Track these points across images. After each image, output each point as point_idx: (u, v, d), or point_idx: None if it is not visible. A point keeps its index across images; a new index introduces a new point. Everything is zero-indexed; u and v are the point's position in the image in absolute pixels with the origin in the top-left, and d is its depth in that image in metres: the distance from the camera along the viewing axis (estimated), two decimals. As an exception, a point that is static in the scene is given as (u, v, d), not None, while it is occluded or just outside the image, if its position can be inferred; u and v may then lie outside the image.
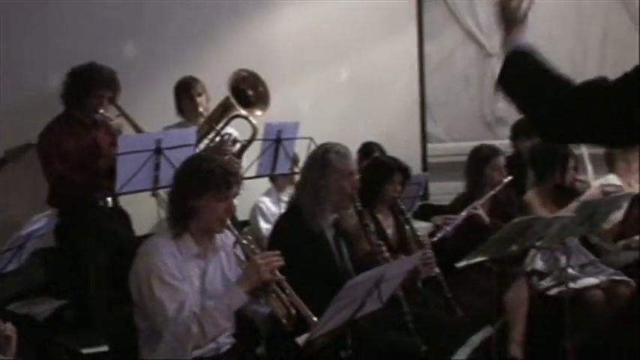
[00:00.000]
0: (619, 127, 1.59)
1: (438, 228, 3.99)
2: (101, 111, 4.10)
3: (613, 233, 4.32)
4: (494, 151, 4.22)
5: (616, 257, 4.34)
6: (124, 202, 4.31)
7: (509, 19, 1.78)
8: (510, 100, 1.73)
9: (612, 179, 4.53)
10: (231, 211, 2.82)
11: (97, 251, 4.11)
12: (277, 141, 4.11)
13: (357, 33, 5.96)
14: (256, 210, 4.80)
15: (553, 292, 4.05)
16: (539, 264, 4.18)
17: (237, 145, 4.36)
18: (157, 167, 3.70)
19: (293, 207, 3.33)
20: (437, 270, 3.53)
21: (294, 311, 2.63)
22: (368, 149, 5.15)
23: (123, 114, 4.15)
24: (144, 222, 4.60)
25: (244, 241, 2.81)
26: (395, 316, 3.16)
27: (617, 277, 4.09)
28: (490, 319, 3.71)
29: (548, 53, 5.27)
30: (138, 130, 4.12)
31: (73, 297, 4.28)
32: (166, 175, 3.73)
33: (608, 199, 3.85)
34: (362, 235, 3.35)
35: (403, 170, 3.79)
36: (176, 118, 4.67)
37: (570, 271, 4.05)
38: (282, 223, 3.31)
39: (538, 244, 3.54)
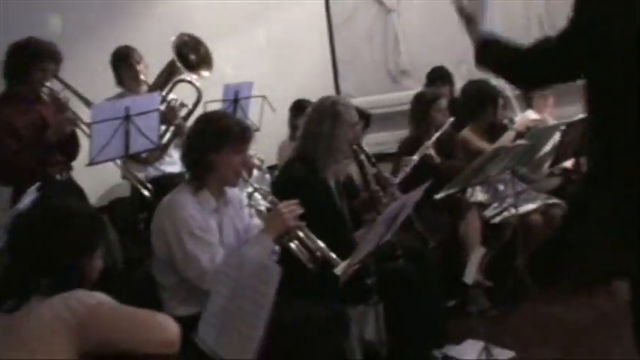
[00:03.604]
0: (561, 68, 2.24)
1: (396, 169, 4.24)
2: (47, 84, 3.98)
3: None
4: (436, 95, 4.52)
5: (542, 184, 4.79)
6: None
7: (466, 18, 2.54)
8: (490, 69, 2.44)
9: (531, 114, 5.00)
10: (247, 163, 2.97)
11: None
12: (235, 101, 4.19)
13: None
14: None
15: (497, 219, 4.43)
16: (479, 196, 4.53)
17: (184, 110, 4.39)
18: (127, 134, 3.70)
19: (300, 157, 3.46)
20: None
21: (319, 254, 2.81)
22: (301, 106, 5.30)
23: (68, 87, 4.06)
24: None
25: (262, 191, 2.96)
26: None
27: (550, 201, 4.52)
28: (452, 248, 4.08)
29: (443, 2, 5.57)
30: (86, 102, 4.06)
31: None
32: (135, 141, 3.77)
33: (546, 129, 4.27)
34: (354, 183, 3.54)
35: (366, 117, 4.01)
36: (113, 90, 4.61)
37: (508, 199, 4.47)
38: (292, 173, 3.41)
39: (496, 173, 3.87)
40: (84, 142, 3.95)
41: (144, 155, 4.26)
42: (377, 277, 2.84)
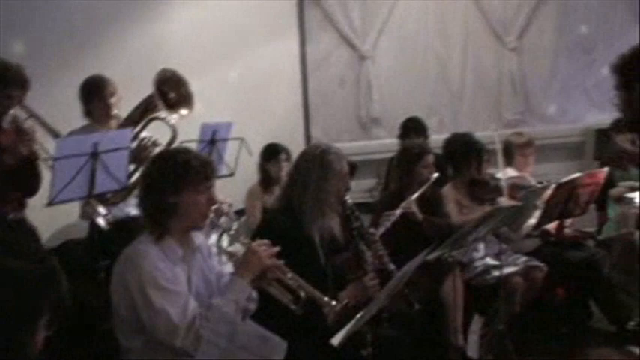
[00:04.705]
0: None
1: (376, 222, 4.03)
2: (11, 112, 3.66)
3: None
4: (423, 150, 4.35)
5: (521, 245, 4.64)
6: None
7: None
8: None
9: (510, 172, 4.87)
10: (212, 202, 2.68)
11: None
12: (212, 142, 3.94)
13: (244, 35, 5.88)
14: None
15: (477, 281, 4.25)
16: (458, 255, 4.33)
17: (157, 150, 4.10)
18: (92, 173, 3.40)
19: (285, 209, 3.20)
20: (392, 266, 3.56)
21: (302, 293, 2.57)
22: (272, 150, 5.09)
23: (35, 116, 3.74)
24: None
25: (232, 232, 2.70)
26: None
27: (531, 263, 4.36)
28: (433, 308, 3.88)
29: (417, 53, 5.61)
30: (54, 133, 3.76)
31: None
32: (101, 181, 3.47)
33: (537, 190, 4.13)
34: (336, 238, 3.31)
35: (351, 167, 3.79)
36: (77, 122, 4.29)
37: (489, 260, 4.31)
38: (275, 226, 3.12)
39: (484, 233, 3.70)
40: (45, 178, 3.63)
41: (108, 195, 3.93)
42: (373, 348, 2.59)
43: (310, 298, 2.59)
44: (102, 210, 3.69)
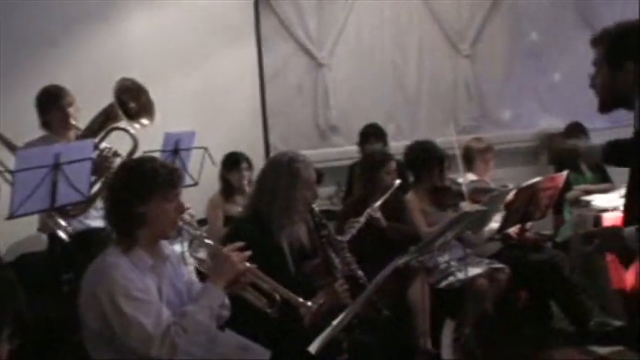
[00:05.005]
0: None
1: (341, 229, 4.03)
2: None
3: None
4: (386, 156, 4.37)
5: (483, 249, 4.69)
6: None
7: None
8: None
9: (471, 177, 4.93)
10: (181, 210, 2.64)
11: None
12: (175, 152, 3.89)
13: (202, 43, 5.84)
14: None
15: (442, 284, 4.28)
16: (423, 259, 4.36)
17: (118, 160, 4.03)
18: (54, 185, 3.32)
19: (252, 217, 3.16)
20: (360, 272, 3.56)
21: (278, 297, 2.55)
22: (234, 159, 5.05)
23: (-11, 129, 3.67)
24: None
25: (204, 239, 2.67)
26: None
27: (494, 265, 4.41)
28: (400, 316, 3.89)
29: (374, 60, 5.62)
30: (10, 146, 3.67)
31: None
32: (63, 193, 3.40)
33: (500, 194, 4.18)
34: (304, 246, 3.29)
35: (318, 174, 3.78)
36: (35, 132, 4.19)
37: (453, 264, 4.34)
38: (243, 234, 3.04)
39: (451, 237, 3.73)
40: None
41: (68, 207, 3.84)
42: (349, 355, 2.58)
43: (285, 300, 2.57)
44: (62, 222, 3.60)
